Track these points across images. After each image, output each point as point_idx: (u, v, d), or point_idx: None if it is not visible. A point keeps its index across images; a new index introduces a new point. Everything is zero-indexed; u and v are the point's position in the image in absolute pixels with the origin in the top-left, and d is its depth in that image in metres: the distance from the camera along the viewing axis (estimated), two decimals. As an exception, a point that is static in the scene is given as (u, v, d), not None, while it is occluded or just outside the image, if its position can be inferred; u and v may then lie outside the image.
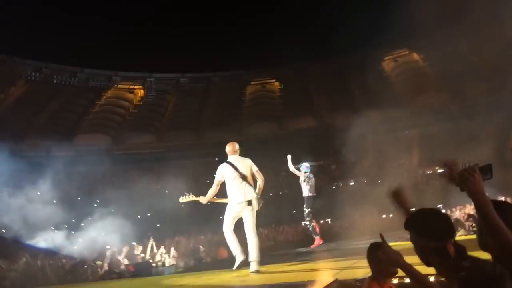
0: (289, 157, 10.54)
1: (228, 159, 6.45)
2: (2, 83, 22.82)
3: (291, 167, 10.43)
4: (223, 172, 6.37)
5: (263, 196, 6.47)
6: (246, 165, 6.35)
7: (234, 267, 6.23)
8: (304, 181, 10.43)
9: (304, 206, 10.40)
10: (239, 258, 6.17)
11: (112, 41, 25.33)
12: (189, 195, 6.75)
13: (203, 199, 6.60)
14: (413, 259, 2.25)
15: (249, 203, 6.14)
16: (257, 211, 6.29)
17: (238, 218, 6.28)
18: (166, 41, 27.26)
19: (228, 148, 6.56)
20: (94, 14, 26.59)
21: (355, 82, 28.86)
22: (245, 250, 6.24)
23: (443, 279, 2.13)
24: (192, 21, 29.66)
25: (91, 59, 25.13)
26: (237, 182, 6.21)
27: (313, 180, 10.49)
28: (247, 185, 6.20)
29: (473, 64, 23.31)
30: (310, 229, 10.48)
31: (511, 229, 1.74)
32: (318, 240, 10.34)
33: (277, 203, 19.82)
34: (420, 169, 24.21)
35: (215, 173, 6.57)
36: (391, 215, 17.38)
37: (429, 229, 2.06)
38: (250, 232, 6.12)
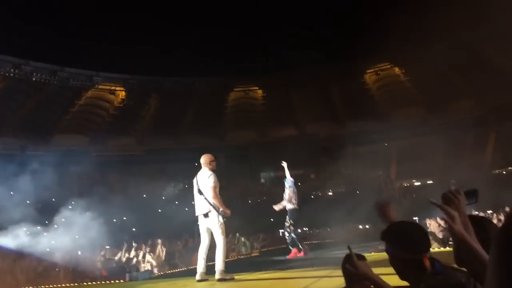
0: (284, 164, 10.61)
1: (199, 172, 6.66)
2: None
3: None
4: (194, 183, 6.66)
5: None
6: (205, 180, 6.47)
7: (197, 278, 6.38)
8: (289, 194, 10.52)
9: (287, 217, 10.45)
10: (197, 276, 6.37)
11: (94, 41, 25.05)
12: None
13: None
14: (389, 270, 2.25)
15: (206, 215, 6.33)
16: (224, 221, 6.42)
17: (208, 230, 6.44)
18: (150, 45, 27.07)
19: (202, 159, 6.74)
20: (77, 16, 26.30)
21: (337, 93, 29.19)
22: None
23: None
24: (177, 26, 29.57)
25: (72, 58, 24.81)
26: (196, 196, 6.49)
27: (296, 193, 10.60)
28: (204, 199, 6.37)
29: (452, 80, 23.84)
30: (289, 240, 10.52)
31: (489, 243, 1.74)
32: (294, 252, 10.39)
33: (256, 211, 19.78)
34: (398, 181, 24.58)
35: (193, 178, 6.70)
36: (368, 226, 17.56)
37: (405, 241, 2.06)
38: (217, 242, 6.34)
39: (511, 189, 13.94)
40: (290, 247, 10.50)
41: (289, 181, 10.78)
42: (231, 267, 6.70)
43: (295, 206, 10.46)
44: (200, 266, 6.37)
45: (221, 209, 6.34)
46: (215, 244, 6.39)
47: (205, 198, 6.37)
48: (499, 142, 21.92)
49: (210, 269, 6.43)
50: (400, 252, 2.05)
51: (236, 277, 6.32)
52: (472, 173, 16.49)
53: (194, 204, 6.60)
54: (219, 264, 6.23)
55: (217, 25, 29.75)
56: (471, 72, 21.41)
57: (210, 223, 6.35)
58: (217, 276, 6.19)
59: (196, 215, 6.47)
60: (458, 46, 21.63)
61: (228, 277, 6.23)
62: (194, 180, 6.61)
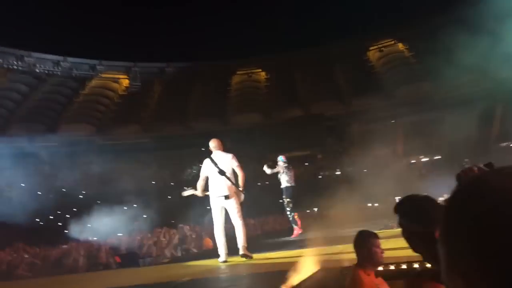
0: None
1: (211, 155, 6.70)
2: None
3: (268, 171, 10.53)
4: (205, 167, 6.70)
5: (250, 186, 6.71)
6: (226, 160, 6.57)
7: (220, 260, 6.49)
8: (282, 172, 10.55)
9: (283, 196, 10.49)
10: (220, 258, 6.47)
11: (96, 30, 24.99)
12: (189, 189, 6.98)
13: (198, 192, 6.84)
14: (399, 244, 2.28)
15: (226, 197, 6.41)
16: (240, 203, 6.56)
17: (222, 211, 6.54)
18: (151, 30, 26.97)
19: (212, 144, 6.83)
20: (78, 5, 26.18)
21: (341, 71, 28.97)
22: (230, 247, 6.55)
23: (429, 265, 2.16)
24: (178, 10, 29.34)
25: (75, 48, 24.81)
26: (216, 177, 6.51)
27: (291, 170, 10.65)
28: (226, 180, 6.44)
29: (456, 56, 23.56)
30: (290, 219, 10.59)
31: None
32: (297, 230, 10.42)
33: (263, 193, 19.88)
34: (405, 157, 24.48)
35: (201, 163, 6.82)
36: (376, 204, 17.62)
37: (418, 214, 2.08)
38: (235, 224, 6.46)
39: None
40: (293, 226, 10.54)
41: (281, 158, 10.79)
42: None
43: (290, 183, 10.50)
44: (223, 247, 6.45)
45: (242, 188, 6.48)
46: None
47: (228, 179, 6.44)
48: (507, 115, 21.75)
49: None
50: (412, 225, 2.08)
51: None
52: (480, 147, 16.42)
53: (210, 188, 6.59)
54: (242, 241, 6.37)
55: (218, 9, 29.51)
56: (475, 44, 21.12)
57: (230, 203, 6.42)
58: (241, 252, 6.34)
59: (215, 197, 6.48)
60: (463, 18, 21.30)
61: (250, 254, 6.40)
62: (208, 164, 6.63)
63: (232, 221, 6.48)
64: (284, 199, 10.55)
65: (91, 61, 25.95)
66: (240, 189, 6.49)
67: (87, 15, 25.27)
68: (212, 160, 6.60)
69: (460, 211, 0.63)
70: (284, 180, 10.50)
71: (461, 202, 0.64)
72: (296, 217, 10.48)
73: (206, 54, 26.96)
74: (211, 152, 6.78)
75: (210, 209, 6.66)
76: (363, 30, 24.92)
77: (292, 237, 10.28)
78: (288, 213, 10.59)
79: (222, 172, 6.45)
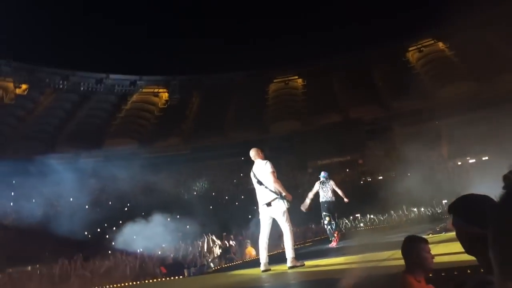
0: (302, 207, 10.44)
1: (253, 165, 6.83)
2: (31, 92, 23.47)
3: (307, 205, 10.54)
4: (252, 178, 6.79)
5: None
6: (262, 168, 6.61)
7: (261, 269, 6.50)
8: (319, 188, 10.76)
9: (321, 210, 10.71)
10: (261, 267, 6.46)
11: (135, 47, 25.78)
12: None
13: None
14: (448, 249, 2.19)
15: (269, 204, 6.41)
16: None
17: (268, 220, 6.55)
18: (187, 44, 27.52)
19: (251, 153, 6.93)
20: (116, 23, 27.11)
21: (379, 74, 28.49)
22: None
23: (482, 270, 2.06)
24: (211, 21, 29.83)
25: (116, 65, 25.65)
26: (257, 187, 6.60)
27: (328, 185, 10.73)
28: (265, 188, 6.47)
29: (501, 51, 22.64)
30: (328, 232, 10.77)
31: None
32: (333, 243, 10.46)
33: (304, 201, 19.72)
34: (451, 159, 23.67)
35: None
36: (422, 208, 17.10)
37: (474, 215, 1.98)
38: (283, 231, 6.46)
39: None
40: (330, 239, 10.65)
41: (322, 174, 10.95)
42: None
43: (326, 198, 10.62)
44: (264, 257, 6.46)
45: (283, 194, 6.44)
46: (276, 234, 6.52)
47: (266, 187, 6.46)
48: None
49: (273, 259, 6.55)
50: (467, 226, 1.98)
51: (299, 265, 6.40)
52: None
53: (254, 197, 6.69)
54: (289, 252, 6.32)
55: (251, 18, 29.76)
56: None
57: (274, 211, 6.42)
58: (289, 263, 6.25)
59: (260, 205, 6.54)
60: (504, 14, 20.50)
61: (299, 263, 6.32)
62: (251, 175, 6.76)
63: (281, 228, 6.48)
64: (322, 213, 10.68)
65: (131, 77, 26.73)
66: (283, 194, 6.44)
67: (126, 34, 26.12)
68: (252, 171, 6.73)
69: None
70: (321, 195, 10.69)
71: None
72: (335, 234, 10.53)
73: (242, 63, 27.11)
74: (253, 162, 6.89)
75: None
76: (401, 31, 24.38)
77: (330, 246, 10.31)
78: (325, 226, 10.75)
79: (259, 182, 6.53)
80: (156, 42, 26.77)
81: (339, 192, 10.66)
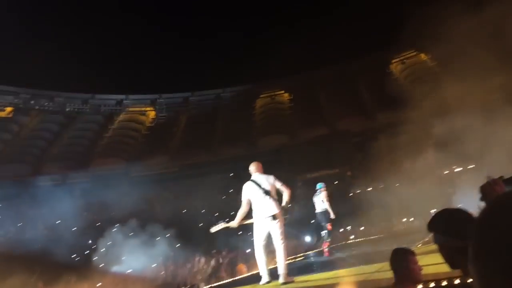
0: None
1: (252, 177, 6.73)
2: (16, 114, 23.26)
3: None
4: (248, 191, 6.65)
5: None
6: (269, 181, 6.61)
7: (260, 283, 6.46)
8: (315, 199, 11.20)
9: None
10: (263, 279, 6.44)
11: (121, 66, 25.77)
12: (220, 223, 6.96)
13: (233, 223, 6.79)
14: (438, 259, 2.19)
15: (274, 217, 6.37)
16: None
17: (266, 233, 6.49)
18: (173, 62, 27.62)
19: (252, 167, 6.87)
20: (99, 42, 27.12)
21: (364, 86, 28.81)
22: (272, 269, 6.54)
23: (470, 280, 2.07)
24: (195, 40, 30.00)
25: (102, 85, 25.59)
26: (261, 199, 6.47)
27: (319, 197, 11.04)
28: (271, 200, 6.42)
29: (483, 59, 23.03)
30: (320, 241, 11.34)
31: None
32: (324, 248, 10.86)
33: (296, 214, 19.69)
34: (437, 168, 23.86)
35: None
36: (411, 219, 17.17)
37: (453, 228, 2.01)
38: (278, 246, 6.39)
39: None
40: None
41: (318, 185, 11.36)
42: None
43: (318, 210, 10.96)
44: (265, 268, 6.45)
45: (289, 204, 6.56)
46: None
47: (274, 199, 6.44)
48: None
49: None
50: (447, 240, 2.00)
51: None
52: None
53: (255, 210, 6.55)
54: (283, 268, 6.30)
55: (235, 33, 29.99)
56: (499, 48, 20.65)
57: (275, 224, 6.36)
58: (281, 279, 6.23)
59: (261, 218, 6.43)
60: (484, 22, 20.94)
61: (290, 280, 6.32)
62: (249, 187, 6.61)
63: (274, 244, 6.41)
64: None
65: (118, 96, 26.68)
66: (288, 205, 6.57)
67: (111, 53, 26.13)
68: (255, 182, 6.59)
69: (493, 229, 0.60)
70: (315, 206, 11.05)
71: (494, 221, 0.61)
72: (325, 246, 10.83)
73: (228, 80, 27.26)
74: (250, 176, 6.81)
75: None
76: (384, 44, 24.82)
77: (325, 256, 10.58)
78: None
79: (267, 192, 6.44)
80: (141, 60, 26.79)
81: (326, 205, 10.80)
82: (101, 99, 26.28)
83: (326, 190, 11.18)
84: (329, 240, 10.87)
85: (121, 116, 28.06)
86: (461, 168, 23.56)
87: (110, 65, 25.49)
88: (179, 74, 26.77)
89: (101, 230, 18.39)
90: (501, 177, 1.82)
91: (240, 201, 6.73)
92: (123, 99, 27.01)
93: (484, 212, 0.65)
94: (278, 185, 6.58)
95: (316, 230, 11.22)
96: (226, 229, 6.89)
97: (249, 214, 6.70)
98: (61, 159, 25.44)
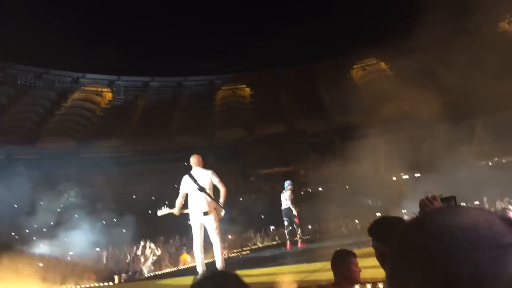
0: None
1: (191, 171, 6.66)
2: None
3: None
4: (184, 184, 6.64)
5: (232, 201, 6.72)
6: (206, 176, 6.53)
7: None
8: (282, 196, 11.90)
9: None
10: (200, 270, 6.51)
11: (80, 43, 24.84)
12: (165, 208, 6.86)
13: (175, 211, 6.74)
14: (374, 262, 2.28)
15: (205, 213, 6.36)
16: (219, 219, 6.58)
17: (201, 228, 6.51)
18: (137, 44, 26.95)
19: (192, 160, 6.79)
20: (62, 17, 26.02)
21: (325, 89, 29.29)
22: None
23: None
24: (163, 25, 29.42)
25: (58, 60, 24.54)
26: (195, 194, 6.45)
27: (285, 194, 11.77)
28: (205, 196, 6.40)
29: (437, 75, 24.03)
30: (286, 235, 11.93)
31: None
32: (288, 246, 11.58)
33: (247, 208, 19.79)
34: (386, 174, 24.67)
35: (185, 178, 6.75)
36: (356, 221, 17.68)
37: (385, 236, 2.09)
38: (213, 241, 6.43)
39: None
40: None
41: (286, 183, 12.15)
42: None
43: (283, 206, 11.67)
44: (201, 265, 6.47)
45: (222, 204, 6.48)
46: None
47: (208, 195, 6.41)
48: (485, 133, 22.17)
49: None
50: (379, 246, 2.09)
51: None
52: (459, 165, 16.64)
53: (189, 204, 6.56)
54: (219, 262, 6.36)
55: (203, 24, 29.69)
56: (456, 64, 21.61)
57: (209, 220, 6.38)
58: None
59: (195, 213, 6.43)
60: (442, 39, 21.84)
61: None
62: (186, 180, 6.59)
63: (211, 238, 6.43)
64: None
65: (74, 73, 25.72)
66: (221, 204, 6.46)
67: (71, 27, 25.11)
68: (192, 177, 6.54)
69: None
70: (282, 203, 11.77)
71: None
72: (296, 238, 11.78)
73: (191, 68, 26.93)
74: (191, 168, 6.74)
75: (190, 224, 6.59)
76: (347, 49, 25.34)
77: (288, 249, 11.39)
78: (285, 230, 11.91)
79: (201, 189, 6.40)
80: (103, 38, 25.93)
81: (289, 202, 11.54)
82: (56, 75, 25.22)
83: (292, 189, 11.96)
84: (299, 232, 11.75)
85: (76, 95, 27.10)
86: (408, 176, 24.54)
87: (69, 41, 24.44)
88: (141, 58, 26.14)
89: (44, 209, 17.73)
90: (440, 195, 1.91)
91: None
92: (79, 77, 26.06)
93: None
94: (215, 181, 6.52)
95: (288, 224, 11.68)
96: (171, 215, 6.83)
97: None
98: (7, 133, 24.27)
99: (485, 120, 22.44)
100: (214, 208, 6.42)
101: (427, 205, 1.84)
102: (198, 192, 6.41)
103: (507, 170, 15.33)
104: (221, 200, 6.48)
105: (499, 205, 14.03)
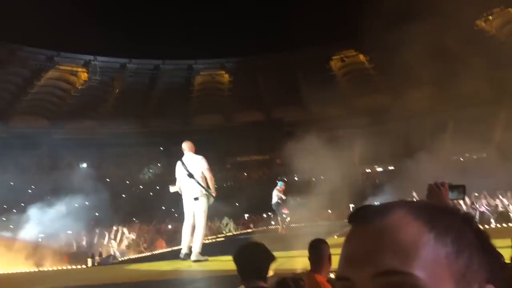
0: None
1: (183, 157, 6.75)
2: None
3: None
4: (177, 170, 6.77)
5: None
6: (196, 163, 6.61)
7: (180, 256, 6.62)
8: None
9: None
10: (183, 250, 6.62)
11: (56, 20, 24.05)
12: (174, 186, 6.94)
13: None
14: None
15: (196, 199, 6.49)
16: (209, 206, 6.71)
17: (192, 212, 6.62)
18: (114, 24, 26.32)
19: (184, 145, 6.85)
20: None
21: (303, 78, 29.36)
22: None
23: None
24: (143, 5, 28.84)
25: (32, 37, 23.72)
26: (185, 180, 6.56)
27: (275, 191, 13.29)
28: (194, 182, 6.48)
29: (415, 69, 24.41)
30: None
31: None
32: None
33: (222, 195, 19.81)
34: (361, 166, 25.04)
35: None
36: (329, 211, 17.97)
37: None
38: (197, 225, 6.55)
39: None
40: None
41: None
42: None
43: (273, 201, 13.16)
44: (186, 246, 6.59)
45: (212, 191, 6.59)
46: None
47: (197, 182, 6.47)
48: (458, 129, 22.71)
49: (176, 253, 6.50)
50: None
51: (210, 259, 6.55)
52: (433, 159, 17.02)
53: (182, 190, 6.68)
54: (197, 247, 6.46)
55: (185, 9, 29.25)
56: (433, 60, 21.98)
57: (197, 206, 6.50)
58: (193, 257, 6.39)
59: (187, 199, 6.58)
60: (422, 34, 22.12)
61: (203, 258, 6.45)
62: (179, 167, 6.71)
63: (195, 221, 6.54)
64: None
65: (49, 51, 25.01)
66: (211, 191, 6.57)
67: (48, 4, 24.20)
68: (183, 163, 6.64)
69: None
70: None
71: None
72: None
73: (170, 52, 26.54)
74: (180, 153, 6.85)
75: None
76: (326, 39, 25.42)
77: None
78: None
79: (190, 175, 6.49)
80: (80, 17, 25.18)
81: (278, 200, 13.06)
82: (30, 52, 24.48)
83: (284, 189, 13.49)
84: (287, 219, 13.23)
85: (50, 73, 26.40)
86: (382, 169, 24.99)
87: (45, 18, 23.55)
88: (118, 39, 25.55)
89: (13, 190, 17.33)
90: (449, 183, 1.94)
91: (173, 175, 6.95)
92: (54, 56, 25.36)
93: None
94: (204, 167, 6.59)
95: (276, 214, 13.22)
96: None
97: None
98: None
99: (459, 115, 22.96)
100: (205, 194, 6.52)
101: (434, 190, 1.86)
102: (188, 179, 6.51)
103: (477, 166, 15.76)
104: (210, 186, 6.56)
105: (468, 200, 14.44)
